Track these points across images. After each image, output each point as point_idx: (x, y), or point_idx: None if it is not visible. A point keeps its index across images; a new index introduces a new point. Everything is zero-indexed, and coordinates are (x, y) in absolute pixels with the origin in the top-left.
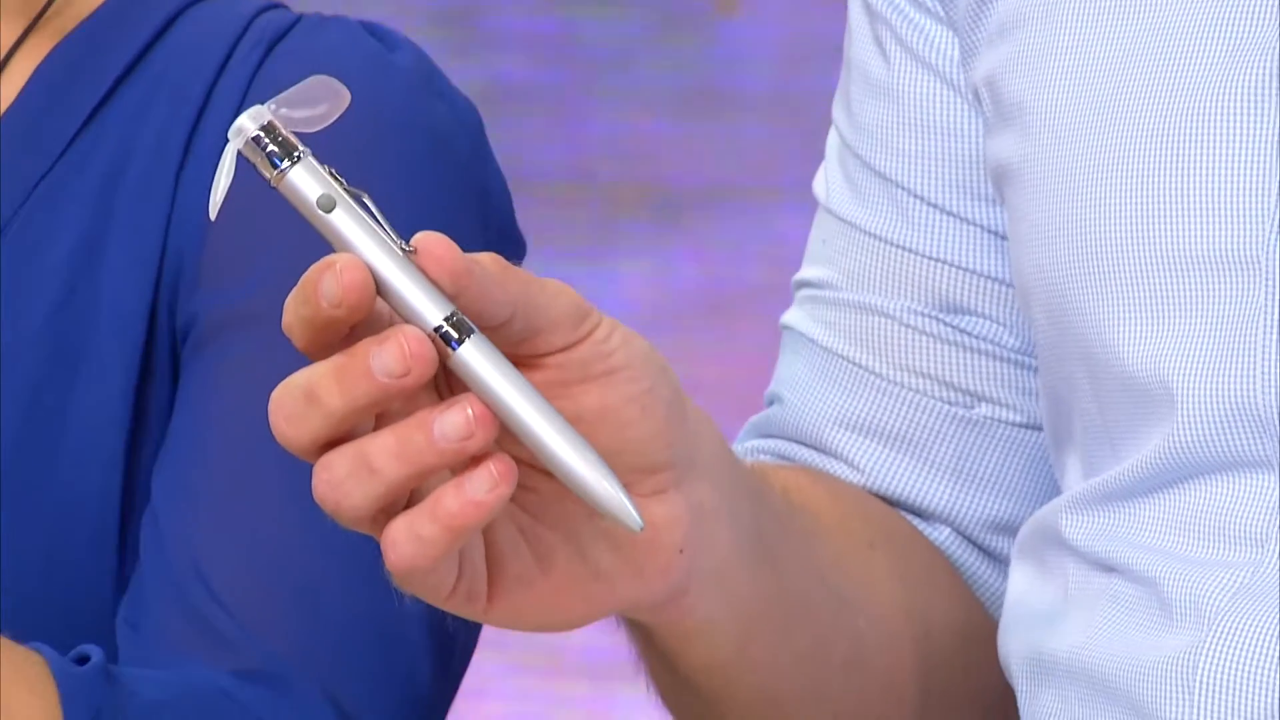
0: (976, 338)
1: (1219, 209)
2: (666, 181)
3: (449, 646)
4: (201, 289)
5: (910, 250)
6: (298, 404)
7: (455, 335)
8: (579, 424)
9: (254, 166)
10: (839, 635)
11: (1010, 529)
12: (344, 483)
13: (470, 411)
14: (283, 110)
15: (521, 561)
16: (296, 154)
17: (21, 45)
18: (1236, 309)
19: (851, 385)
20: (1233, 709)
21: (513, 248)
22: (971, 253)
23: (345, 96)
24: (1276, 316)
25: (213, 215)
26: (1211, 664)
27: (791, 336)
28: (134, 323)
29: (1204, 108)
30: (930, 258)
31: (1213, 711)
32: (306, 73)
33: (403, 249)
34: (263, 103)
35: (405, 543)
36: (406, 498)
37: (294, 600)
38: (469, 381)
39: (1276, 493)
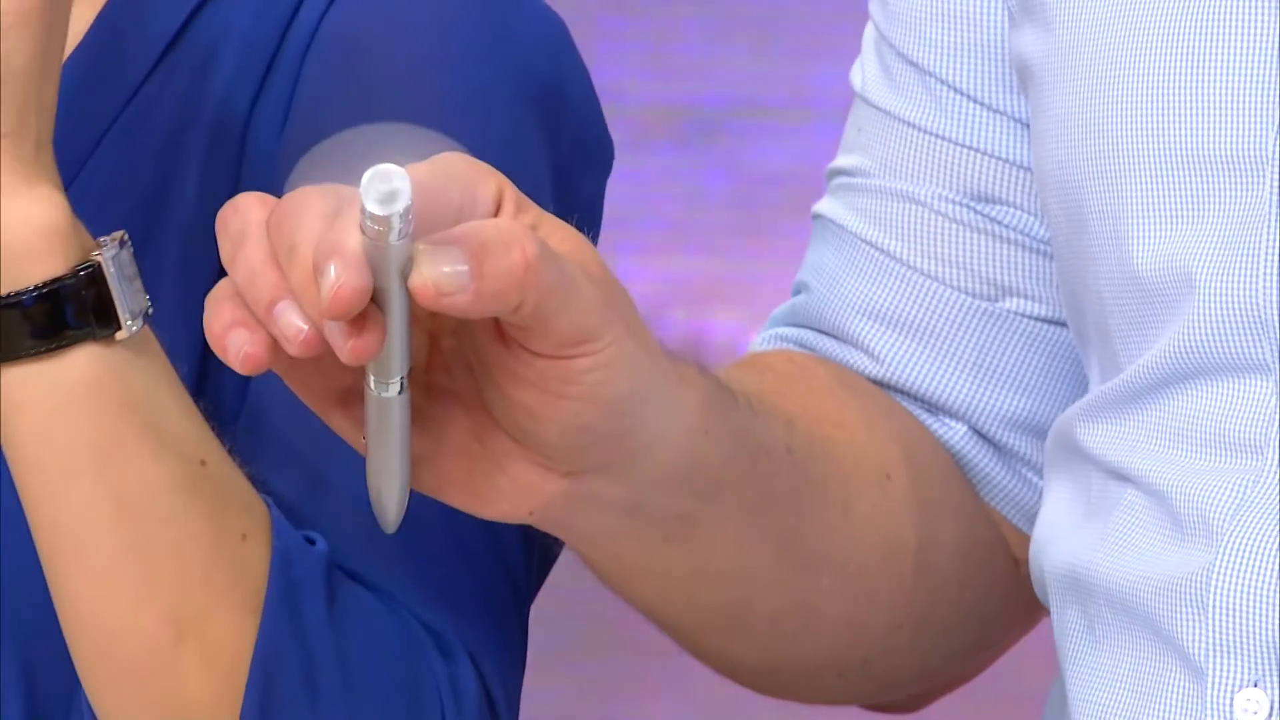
0: (1007, 227)
1: (1230, 110)
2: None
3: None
4: None
5: (943, 138)
6: (283, 243)
7: (393, 388)
8: (501, 397)
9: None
10: (775, 593)
11: (1029, 427)
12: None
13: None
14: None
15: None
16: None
17: None
18: (1244, 210)
19: (877, 274)
20: (1245, 631)
21: (591, 160)
22: (1003, 142)
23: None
24: (1278, 219)
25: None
26: (1222, 585)
27: (821, 225)
28: (205, 277)
29: (1219, 8)
30: (963, 145)
31: (1226, 633)
32: (378, 8)
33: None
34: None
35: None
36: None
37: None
38: (369, 413)
39: (1274, 399)
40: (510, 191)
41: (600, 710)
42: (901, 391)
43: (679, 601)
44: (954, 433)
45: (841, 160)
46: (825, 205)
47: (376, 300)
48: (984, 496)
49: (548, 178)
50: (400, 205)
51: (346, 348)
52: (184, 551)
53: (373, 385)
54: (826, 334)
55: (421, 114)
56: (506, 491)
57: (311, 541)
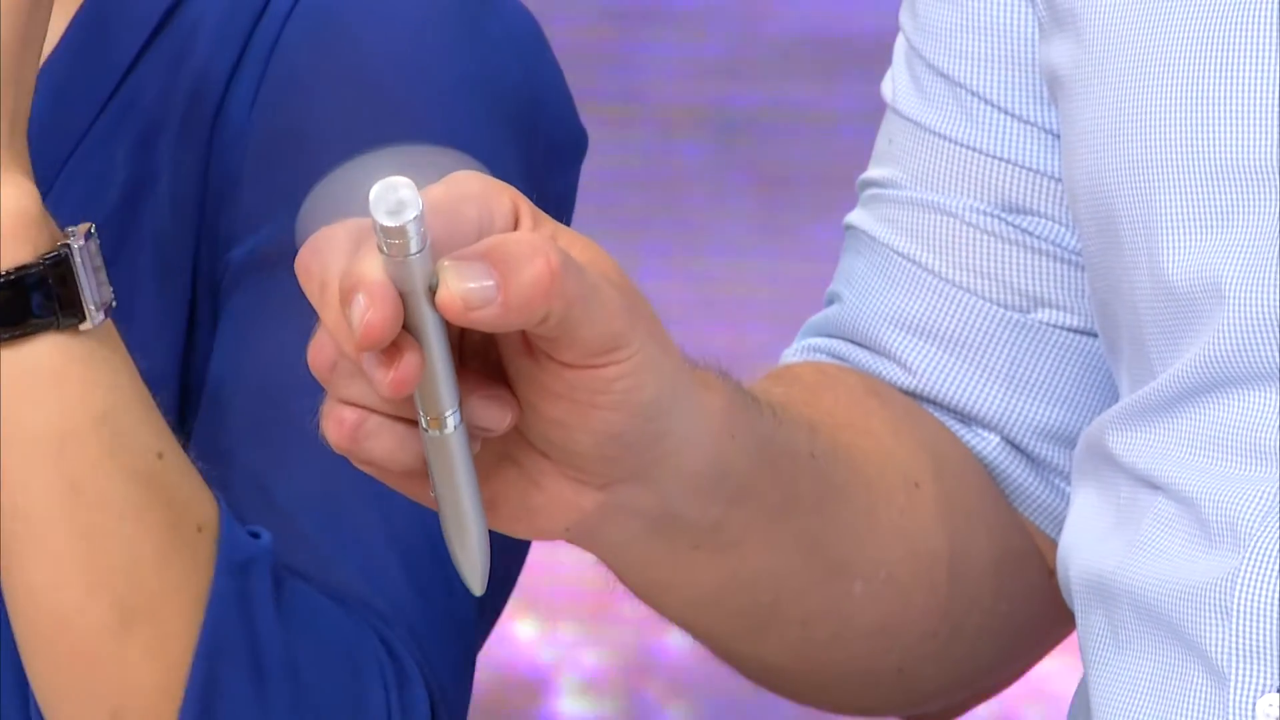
0: (1038, 238)
1: (1259, 120)
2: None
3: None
4: (239, 234)
5: (974, 149)
6: (314, 277)
7: (445, 425)
8: (532, 412)
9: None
10: (805, 599)
11: (1061, 437)
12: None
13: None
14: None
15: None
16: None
17: None
18: (1273, 220)
19: (909, 285)
20: (1268, 636)
21: (564, 157)
22: (1034, 152)
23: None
24: None
25: None
26: (1246, 591)
27: (854, 236)
28: (179, 276)
29: (1251, 17)
30: (993, 156)
31: (1249, 639)
32: (348, 3)
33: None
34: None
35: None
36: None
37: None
38: (428, 454)
39: None
40: (525, 205)
41: (625, 713)
42: (934, 402)
43: (709, 609)
44: (987, 443)
45: (873, 171)
46: (857, 216)
47: (410, 329)
48: (1017, 507)
49: (517, 177)
50: (411, 214)
51: (386, 381)
52: (138, 541)
53: (425, 425)
54: (859, 345)
55: (388, 106)
56: (541, 509)
57: (255, 535)
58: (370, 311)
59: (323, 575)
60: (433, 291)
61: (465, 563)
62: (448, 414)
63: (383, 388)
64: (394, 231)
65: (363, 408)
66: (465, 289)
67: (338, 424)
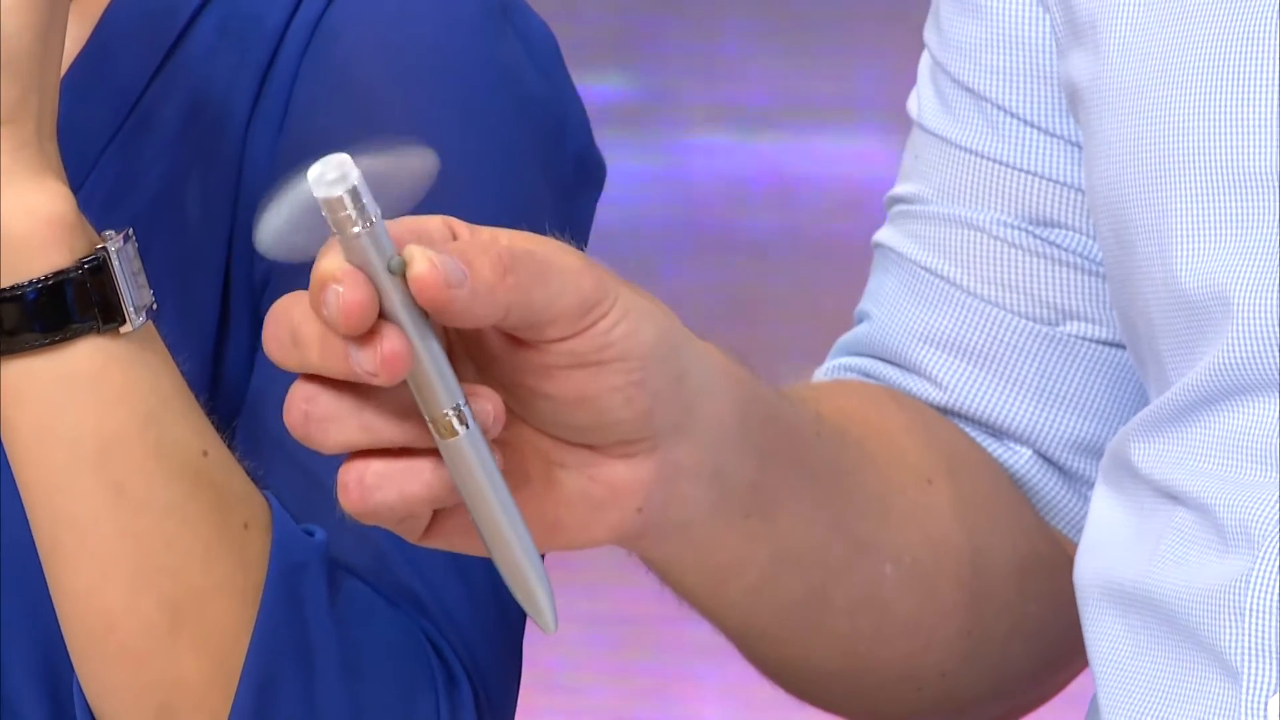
0: (1066, 250)
1: (1273, 129)
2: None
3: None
4: None
5: (1000, 163)
6: (284, 337)
7: (456, 426)
8: (555, 404)
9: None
10: (846, 581)
11: (1093, 449)
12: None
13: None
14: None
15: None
16: (370, 221)
17: None
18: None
19: (938, 301)
20: (1279, 635)
21: (589, 173)
22: (1060, 165)
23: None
24: None
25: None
26: (1259, 591)
27: (882, 253)
28: (212, 277)
29: (1268, 30)
30: (1020, 170)
31: (1261, 638)
32: (377, 7)
33: (390, 268)
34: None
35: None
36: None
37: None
38: (450, 468)
39: None
40: (459, 222)
41: (643, 711)
42: (965, 417)
43: (765, 599)
44: (1019, 457)
45: (900, 188)
46: (885, 234)
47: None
48: (1049, 520)
49: (546, 193)
50: (350, 181)
51: (377, 363)
52: (184, 540)
53: (438, 434)
54: (889, 362)
55: (413, 120)
56: (607, 500)
57: (310, 534)
58: (345, 293)
59: (377, 570)
60: (401, 277)
61: (525, 597)
62: (451, 411)
63: (377, 374)
64: (335, 203)
65: (362, 455)
66: (438, 261)
67: (344, 490)
